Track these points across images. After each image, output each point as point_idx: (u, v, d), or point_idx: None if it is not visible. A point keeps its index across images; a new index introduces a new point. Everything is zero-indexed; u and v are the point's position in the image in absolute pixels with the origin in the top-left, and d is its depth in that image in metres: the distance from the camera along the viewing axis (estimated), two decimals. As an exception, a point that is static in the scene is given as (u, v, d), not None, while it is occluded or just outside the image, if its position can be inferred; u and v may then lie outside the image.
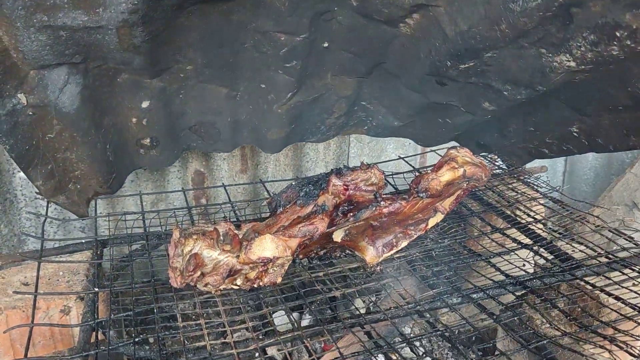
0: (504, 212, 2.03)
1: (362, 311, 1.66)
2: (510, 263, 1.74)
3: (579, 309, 1.60)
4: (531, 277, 1.67)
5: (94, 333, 1.53)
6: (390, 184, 2.20)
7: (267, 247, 1.52)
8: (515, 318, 1.52)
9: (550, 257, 1.78)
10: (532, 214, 2.01)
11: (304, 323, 2.30)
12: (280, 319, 2.19)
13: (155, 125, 2.07)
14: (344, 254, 1.81)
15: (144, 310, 1.56)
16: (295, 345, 1.51)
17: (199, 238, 1.53)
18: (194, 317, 1.52)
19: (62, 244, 1.95)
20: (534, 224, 1.97)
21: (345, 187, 1.75)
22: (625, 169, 2.87)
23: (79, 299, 1.80)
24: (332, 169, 1.79)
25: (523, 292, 1.64)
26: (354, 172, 1.75)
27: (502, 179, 2.24)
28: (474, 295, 1.61)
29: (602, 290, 1.55)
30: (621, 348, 1.31)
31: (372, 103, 2.37)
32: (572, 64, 1.62)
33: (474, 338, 2.34)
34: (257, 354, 1.36)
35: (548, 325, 1.50)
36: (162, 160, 2.17)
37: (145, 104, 2.00)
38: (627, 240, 1.78)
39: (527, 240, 1.88)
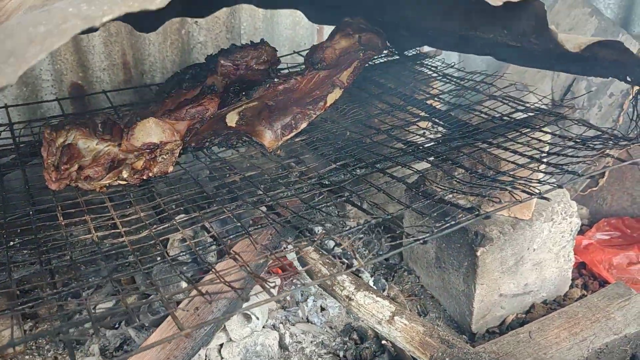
0: (401, 92, 2.00)
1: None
2: (412, 132, 1.71)
3: (480, 165, 1.61)
4: (434, 143, 1.66)
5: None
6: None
7: (151, 131, 1.38)
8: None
9: (448, 125, 1.78)
10: (429, 90, 1.99)
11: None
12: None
13: None
14: (240, 141, 1.70)
15: (19, 216, 1.39)
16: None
17: (72, 128, 1.36)
18: (78, 215, 1.36)
19: None
20: (431, 99, 1.96)
21: (235, 66, 1.62)
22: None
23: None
24: (220, 49, 1.66)
25: (426, 160, 1.63)
26: (243, 49, 1.63)
27: (399, 63, 2.20)
28: (378, 165, 1.57)
29: (498, 146, 1.56)
30: (517, 189, 1.33)
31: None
32: None
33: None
34: (154, 243, 1.23)
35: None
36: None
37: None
38: (519, 103, 1.80)
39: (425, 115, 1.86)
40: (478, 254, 1.71)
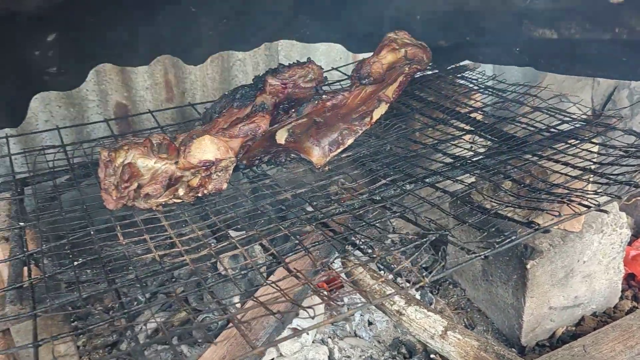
0: (444, 106, 2.00)
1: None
2: (458, 146, 1.71)
3: (530, 177, 1.61)
4: (482, 156, 1.66)
5: (26, 268, 1.38)
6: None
7: (207, 148, 1.41)
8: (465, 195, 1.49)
9: (494, 139, 1.78)
10: (471, 103, 1.99)
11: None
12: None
13: (64, 54, 1.86)
14: (289, 158, 1.72)
15: (81, 235, 1.42)
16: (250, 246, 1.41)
17: (131, 147, 1.39)
18: (137, 234, 1.39)
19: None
20: (474, 112, 1.95)
21: (283, 85, 1.64)
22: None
23: (3, 240, 1.63)
24: (267, 70, 1.68)
25: (474, 173, 1.62)
26: (290, 69, 1.65)
27: (439, 77, 2.21)
28: (428, 180, 1.57)
29: (549, 159, 1.55)
30: (574, 202, 1.32)
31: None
32: None
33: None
34: (212, 261, 1.26)
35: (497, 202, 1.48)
36: (69, 81, 1.97)
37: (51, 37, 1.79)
38: (565, 115, 1.79)
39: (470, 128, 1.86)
40: (528, 266, 1.70)
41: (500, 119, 1.90)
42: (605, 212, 1.28)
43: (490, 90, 2.07)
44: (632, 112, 2.61)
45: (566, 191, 1.38)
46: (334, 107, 1.58)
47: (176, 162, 1.39)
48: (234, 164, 1.46)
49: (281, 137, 1.60)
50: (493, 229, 1.25)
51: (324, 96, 1.57)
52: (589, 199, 1.31)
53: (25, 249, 1.41)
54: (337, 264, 1.93)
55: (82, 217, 1.51)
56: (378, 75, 1.61)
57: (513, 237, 1.19)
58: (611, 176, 1.44)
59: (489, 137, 1.77)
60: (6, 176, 1.78)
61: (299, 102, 1.60)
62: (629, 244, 2.36)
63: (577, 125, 1.76)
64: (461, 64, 2.42)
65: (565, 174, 1.49)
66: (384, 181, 1.55)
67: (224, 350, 1.64)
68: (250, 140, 1.48)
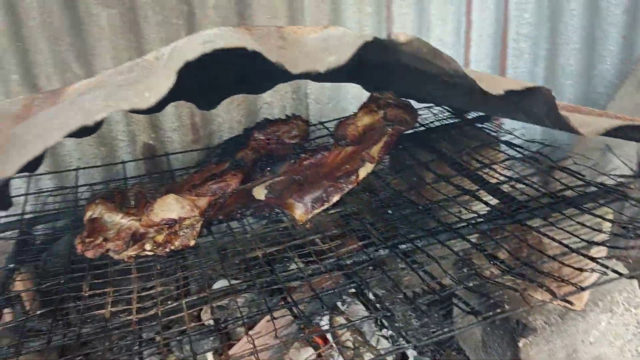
0: (454, 160, 1.90)
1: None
2: (465, 208, 1.62)
3: (525, 248, 1.49)
4: (482, 219, 1.56)
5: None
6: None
7: (171, 207, 1.42)
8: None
9: (495, 201, 1.66)
10: (481, 159, 1.87)
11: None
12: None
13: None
14: (273, 212, 1.70)
15: (52, 283, 1.48)
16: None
17: (100, 202, 1.44)
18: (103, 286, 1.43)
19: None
20: (483, 169, 1.84)
21: (266, 140, 1.64)
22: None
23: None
24: (256, 123, 1.69)
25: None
26: (274, 124, 1.65)
27: (455, 126, 2.11)
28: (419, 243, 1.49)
29: (537, 231, 1.42)
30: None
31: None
32: None
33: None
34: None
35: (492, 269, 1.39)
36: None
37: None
38: (576, 177, 1.64)
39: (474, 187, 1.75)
40: (520, 344, 1.55)
41: (509, 178, 1.77)
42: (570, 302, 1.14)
43: (507, 145, 1.95)
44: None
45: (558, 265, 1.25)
46: (312, 166, 1.55)
47: (140, 219, 1.42)
48: (201, 222, 1.46)
49: (259, 193, 1.59)
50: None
51: (302, 155, 1.54)
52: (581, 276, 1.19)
53: (5, 292, 1.49)
54: (324, 322, 1.87)
55: (64, 264, 1.58)
56: (353, 137, 1.56)
57: (498, 311, 1.11)
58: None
59: (485, 201, 1.65)
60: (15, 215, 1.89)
61: (278, 159, 1.58)
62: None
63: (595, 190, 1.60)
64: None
65: (566, 246, 1.36)
66: (360, 244, 1.50)
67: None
68: (220, 198, 1.48)
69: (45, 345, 1.23)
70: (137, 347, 1.21)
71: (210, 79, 1.60)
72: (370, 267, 1.57)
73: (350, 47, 0.96)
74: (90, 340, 1.31)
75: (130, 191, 1.52)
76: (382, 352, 1.79)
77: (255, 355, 1.15)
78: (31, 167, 2.01)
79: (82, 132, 1.00)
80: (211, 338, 1.77)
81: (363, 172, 1.63)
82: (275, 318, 1.25)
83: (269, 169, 1.55)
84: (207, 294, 1.34)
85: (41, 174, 2.29)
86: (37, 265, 1.64)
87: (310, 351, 1.88)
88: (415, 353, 1.95)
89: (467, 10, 2.77)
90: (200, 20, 2.36)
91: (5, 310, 1.46)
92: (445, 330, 1.27)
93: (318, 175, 1.59)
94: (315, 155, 1.54)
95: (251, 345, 1.16)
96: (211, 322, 1.82)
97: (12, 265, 1.59)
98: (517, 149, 1.90)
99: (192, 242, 1.48)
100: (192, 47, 0.95)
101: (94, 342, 1.39)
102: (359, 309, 1.96)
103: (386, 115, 1.57)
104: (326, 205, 1.65)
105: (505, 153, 1.87)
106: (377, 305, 1.39)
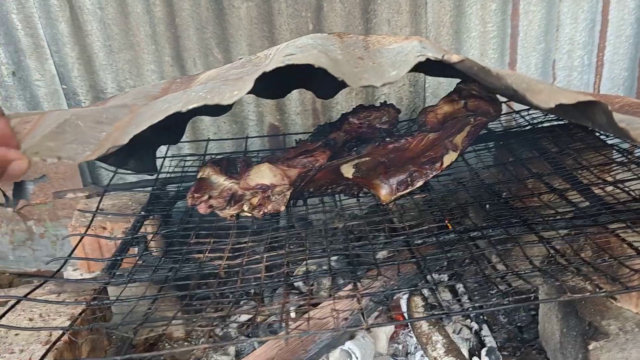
0: (556, 160, 1.87)
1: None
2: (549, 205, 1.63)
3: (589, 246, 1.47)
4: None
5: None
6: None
7: (264, 174, 1.63)
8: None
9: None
10: (580, 160, 1.83)
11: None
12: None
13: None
14: (362, 192, 1.85)
15: (169, 231, 1.78)
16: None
17: (209, 166, 1.70)
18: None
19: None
20: (581, 171, 1.80)
21: (359, 124, 1.78)
22: None
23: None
24: (353, 108, 1.84)
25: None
26: (367, 110, 1.78)
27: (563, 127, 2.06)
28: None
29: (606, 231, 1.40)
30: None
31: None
32: None
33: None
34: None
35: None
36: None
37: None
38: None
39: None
40: (590, 347, 1.52)
41: (603, 181, 1.72)
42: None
43: (614, 148, 1.87)
44: None
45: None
46: (396, 150, 1.66)
47: (239, 182, 1.65)
48: (290, 190, 1.65)
49: (347, 171, 1.74)
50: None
51: (387, 139, 1.66)
52: None
53: (135, 232, 1.82)
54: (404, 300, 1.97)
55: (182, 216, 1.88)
56: (432, 123, 1.63)
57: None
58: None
59: (569, 200, 1.63)
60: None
61: (365, 142, 1.71)
62: None
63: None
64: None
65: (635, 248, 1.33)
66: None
67: (273, 353, 1.84)
68: (309, 171, 1.66)
69: (149, 277, 1.52)
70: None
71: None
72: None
73: (408, 65, 1.05)
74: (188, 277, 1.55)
75: (237, 160, 1.76)
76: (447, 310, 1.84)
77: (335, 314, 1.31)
78: (173, 139, 2.37)
79: (217, 111, 1.21)
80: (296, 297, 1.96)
81: (447, 160, 1.71)
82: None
83: (355, 149, 1.68)
84: (284, 252, 1.53)
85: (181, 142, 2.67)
86: (164, 215, 1.96)
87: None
88: (493, 341, 1.97)
89: (604, 9, 2.63)
90: (326, 13, 2.56)
91: (132, 248, 1.79)
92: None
93: (402, 160, 1.70)
94: (399, 139, 1.65)
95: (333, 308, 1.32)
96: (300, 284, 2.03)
97: (142, 213, 1.93)
98: (624, 153, 1.83)
99: (282, 208, 1.68)
100: (277, 58, 1.11)
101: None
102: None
103: (467, 105, 1.63)
104: (410, 189, 1.76)
105: (605, 156, 1.81)
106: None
